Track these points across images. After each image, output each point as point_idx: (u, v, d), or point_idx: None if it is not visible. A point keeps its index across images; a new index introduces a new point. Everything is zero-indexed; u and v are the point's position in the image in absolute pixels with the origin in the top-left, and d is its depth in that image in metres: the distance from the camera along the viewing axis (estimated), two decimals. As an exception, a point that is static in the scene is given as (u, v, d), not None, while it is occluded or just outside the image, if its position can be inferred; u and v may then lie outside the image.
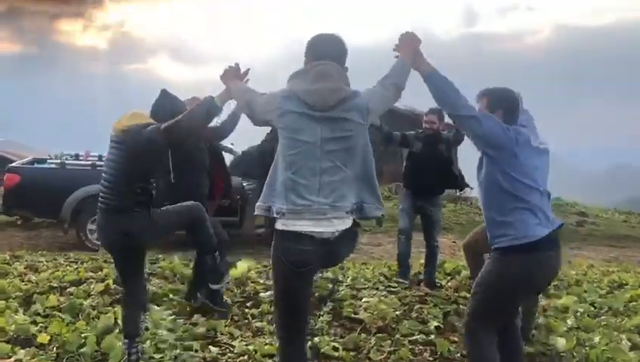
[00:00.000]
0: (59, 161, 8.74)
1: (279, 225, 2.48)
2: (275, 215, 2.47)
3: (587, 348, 3.85)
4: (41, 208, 8.35)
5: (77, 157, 9.16)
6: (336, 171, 2.47)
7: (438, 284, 5.52)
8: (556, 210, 16.84)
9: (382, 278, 5.73)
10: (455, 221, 12.71)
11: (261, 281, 5.49)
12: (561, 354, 3.77)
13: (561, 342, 3.86)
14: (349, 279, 5.50)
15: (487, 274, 2.81)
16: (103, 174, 3.35)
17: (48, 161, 9.04)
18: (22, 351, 3.49)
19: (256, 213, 2.59)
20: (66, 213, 7.98)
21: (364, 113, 2.51)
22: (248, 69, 3.07)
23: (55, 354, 3.49)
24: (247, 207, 7.85)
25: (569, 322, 4.33)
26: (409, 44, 2.76)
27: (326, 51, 2.57)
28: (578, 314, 4.65)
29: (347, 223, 2.52)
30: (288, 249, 2.47)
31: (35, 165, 8.82)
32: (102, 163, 8.35)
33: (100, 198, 3.34)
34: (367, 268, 6.27)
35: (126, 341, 3.35)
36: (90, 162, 8.65)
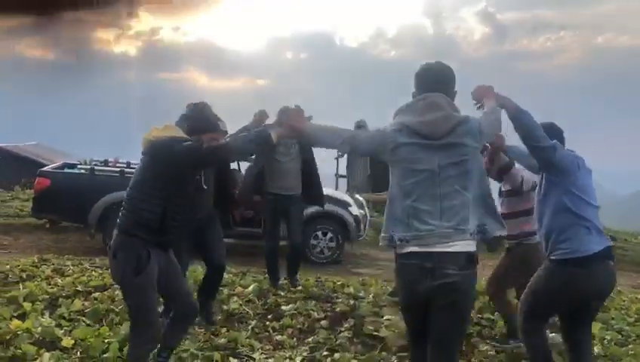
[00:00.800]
0: (88, 166, 8.91)
1: (401, 250, 2.57)
2: (397, 243, 2.56)
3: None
4: (69, 213, 8.49)
5: (106, 163, 9.34)
6: (456, 195, 2.55)
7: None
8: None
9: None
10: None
11: (282, 294, 5.50)
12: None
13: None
14: (370, 296, 5.47)
15: (538, 280, 3.31)
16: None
17: (78, 166, 9.22)
18: (47, 353, 3.55)
19: (380, 243, 2.69)
20: (93, 219, 8.10)
21: (477, 136, 2.62)
22: (311, 116, 3.19)
23: (79, 359, 3.53)
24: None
25: (596, 350, 4.22)
26: (486, 92, 2.95)
27: (436, 80, 2.68)
28: (605, 341, 4.54)
29: (471, 246, 2.57)
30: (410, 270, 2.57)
31: (65, 170, 8.99)
32: (130, 170, 8.53)
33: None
34: (389, 286, 6.22)
35: (160, 348, 3.30)
36: (118, 169, 8.80)
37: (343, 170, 15.88)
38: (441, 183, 2.54)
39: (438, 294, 2.49)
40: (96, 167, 8.79)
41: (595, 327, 4.69)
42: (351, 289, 5.61)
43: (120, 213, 3.17)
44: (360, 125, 4.06)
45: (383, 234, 2.64)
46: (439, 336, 2.57)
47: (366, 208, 9.53)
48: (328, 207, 8.73)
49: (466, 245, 2.53)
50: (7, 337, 3.75)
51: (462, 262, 2.51)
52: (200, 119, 3.31)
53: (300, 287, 5.61)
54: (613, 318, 5.39)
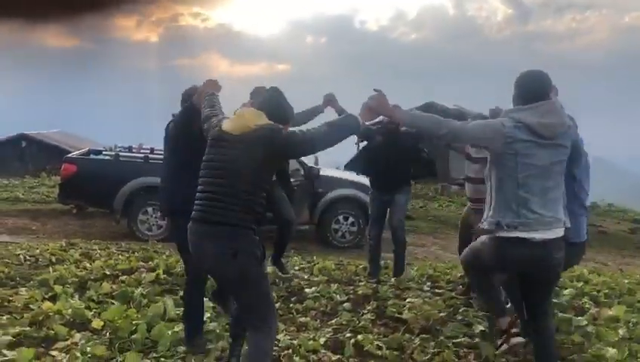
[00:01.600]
0: (113, 153, 9.04)
1: (507, 234, 2.94)
2: (505, 228, 2.94)
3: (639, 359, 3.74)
4: (95, 198, 8.66)
5: (130, 149, 9.47)
6: (556, 189, 3.00)
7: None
8: (608, 216, 16.34)
9: (426, 279, 5.70)
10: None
11: (305, 277, 5.56)
12: (612, 364, 3.67)
13: (611, 352, 3.75)
14: (392, 279, 5.49)
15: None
16: (204, 179, 2.89)
17: (103, 152, 9.37)
18: (78, 334, 3.65)
19: (486, 227, 3.01)
20: (119, 204, 8.25)
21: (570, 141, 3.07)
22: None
23: (108, 339, 3.63)
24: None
25: (620, 332, 4.20)
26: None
27: (543, 87, 3.03)
28: (630, 324, 4.51)
29: (561, 232, 3.01)
30: (512, 252, 3.00)
31: (91, 156, 9.15)
32: (154, 156, 8.64)
33: (197, 207, 2.87)
34: (412, 269, 6.24)
35: (230, 340, 3.30)
36: (142, 155, 8.92)
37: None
38: (549, 178, 2.95)
39: (540, 271, 3.05)
40: (120, 153, 8.92)
41: (620, 310, 4.67)
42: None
43: (216, 206, 2.80)
44: (496, 113, 4.04)
45: (489, 219, 3.00)
46: (532, 301, 3.23)
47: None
48: (350, 191, 8.77)
49: (560, 232, 2.99)
50: (40, 318, 3.86)
51: (558, 246, 2.99)
52: (282, 107, 2.98)
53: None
54: (639, 301, 5.34)
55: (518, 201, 2.92)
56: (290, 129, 2.94)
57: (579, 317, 4.46)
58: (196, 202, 2.86)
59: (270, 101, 2.94)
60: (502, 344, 3.41)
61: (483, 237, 3.16)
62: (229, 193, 2.77)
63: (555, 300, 4.92)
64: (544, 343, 3.24)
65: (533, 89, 3.02)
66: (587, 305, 4.97)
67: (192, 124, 3.40)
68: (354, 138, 5.01)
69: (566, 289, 5.44)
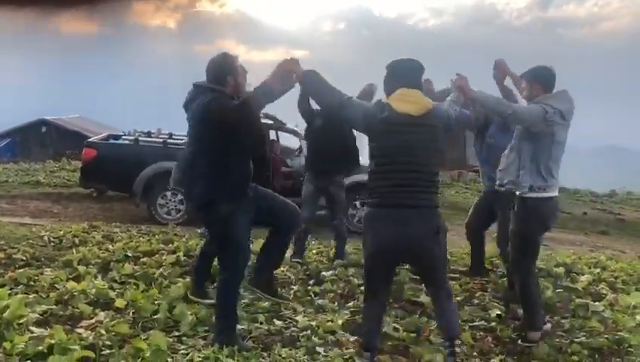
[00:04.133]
0: (132, 137, 9.15)
1: (537, 194, 3.59)
2: (536, 190, 3.59)
3: (657, 345, 3.74)
4: (115, 182, 8.79)
5: (149, 134, 9.58)
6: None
7: (500, 273, 5.46)
8: (626, 203, 16.13)
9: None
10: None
11: (323, 261, 5.62)
12: (629, 349, 3.68)
13: (629, 338, 3.77)
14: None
15: None
16: (386, 166, 2.94)
17: (123, 137, 9.48)
18: (102, 313, 3.75)
19: (519, 191, 3.64)
20: (138, 188, 8.36)
21: None
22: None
23: (132, 318, 3.72)
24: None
25: (638, 318, 4.20)
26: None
27: (555, 79, 3.71)
28: (647, 311, 4.50)
29: None
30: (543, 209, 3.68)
31: (111, 141, 9.27)
32: (173, 140, 8.73)
33: (387, 193, 2.94)
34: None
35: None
36: (161, 139, 9.01)
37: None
38: (563, 151, 3.67)
39: (555, 220, 3.88)
40: (140, 138, 9.02)
41: (638, 297, 4.66)
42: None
43: (411, 190, 2.91)
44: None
45: (524, 184, 3.62)
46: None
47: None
48: (365, 177, 8.79)
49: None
50: (65, 297, 3.97)
51: None
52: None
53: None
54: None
55: (546, 170, 3.59)
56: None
57: (596, 303, 4.46)
58: (383, 189, 2.95)
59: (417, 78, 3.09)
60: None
61: (511, 228, 3.76)
62: (420, 176, 2.92)
63: (571, 285, 4.94)
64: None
65: (552, 81, 3.69)
66: (604, 291, 4.97)
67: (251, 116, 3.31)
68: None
69: (583, 275, 5.44)
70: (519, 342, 3.68)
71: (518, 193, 3.69)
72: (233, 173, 3.33)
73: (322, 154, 5.41)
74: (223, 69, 3.38)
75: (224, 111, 3.20)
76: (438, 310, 3.14)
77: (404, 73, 3.08)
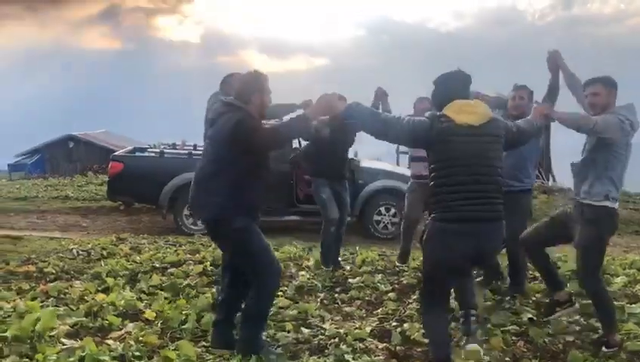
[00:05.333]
0: (158, 150, 9.25)
1: (611, 205, 3.59)
2: (611, 200, 3.58)
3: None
4: (142, 194, 8.87)
5: (174, 146, 9.67)
6: None
7: (531, 276, 5.34)
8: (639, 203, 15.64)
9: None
10: (547, 212, 12.16)
11: (348, 268, 5.58)
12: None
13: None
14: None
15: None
16: (454, 177, 2.89)
17: (148, 150, 9.59)
18: (131, 324, 3.77)
19: (598, 202, 3.57)
20: (164, 200, 8.43)
21: None
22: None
23: (160, 329, 3.73)
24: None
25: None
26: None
27: None
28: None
29: None
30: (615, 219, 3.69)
31: (137, 154, 9.38)
32: (197, 152, 8.80)
33: (461, 206, 2.87)
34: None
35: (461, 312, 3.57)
36: (186, 151, 9.09)
37: (404, 147, 15.68)
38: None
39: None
40: (165, 150, 9.12)
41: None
42: (417, 263, 5.61)
43: (484, 202, 2.90)
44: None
45: (603, 193, 3.57)
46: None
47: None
48: (390, 182, 8.72)
49: None
50: (95, 309, 4.00)
51: None
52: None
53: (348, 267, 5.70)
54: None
55: (620, 179, 3.62)
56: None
57: (632, 305, 4.34)
58: (453, 202, 2.88)
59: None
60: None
61: (582, 239, 3.65)
62: (489, 188, 2.91)
63: (606, 288, 4.81)
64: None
65: (616, 91, 3.68)
66: (640, 293, 4.82)
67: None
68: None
69: (618, 276, 5.30)
70: (603, 349, 3.54)
71: (591, 202, 3.60)
72: (249, 193, 3.28)
73: (334, 160, 5.48)
74: (252, 88, 3.34)
75: (254, 133, 3.17)
76: (462, 288, 3.44)
77: (457, 85, 3.06)
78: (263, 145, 3.24)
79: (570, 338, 3.71)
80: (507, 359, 3.42)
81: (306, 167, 6.50)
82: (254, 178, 3.29)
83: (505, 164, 3.16)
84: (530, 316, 4.09)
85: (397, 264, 5.69)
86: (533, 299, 4.55)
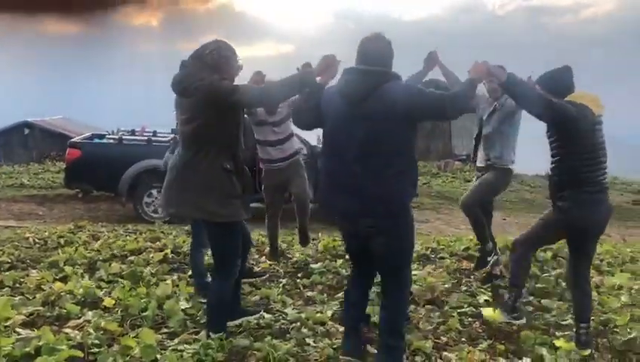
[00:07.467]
0: (116, 136, 9.07)
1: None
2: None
3: (642, 324, 3.80)
4: (100, 182, 8.71)
5: (133, 133, 9.50)
6: None
7: (489, 260, 5.49)
8: (612, 188, 16.28)
9: (430, 252, 5.76)
10: (505, 198, 12.49)
11: (310, 253, 5.62)
12: (614, 329, 3.73)
13: (614, 318, 3.82)
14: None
15: None
16: (600, 159, 3.40)
17: (107, 136, 9.40)
18: (90, 312, 3.72)
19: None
20: (124, 187, 8.30)
21: None
22: None
23: (120, 317, 3.69)
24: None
25: (623, 299, 4.26)
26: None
27: None
28: (632, 291, 4.57)
29: None
30: None
31: (95, 141, 9.19)
32: (157, 138, 8.67)
33: (602, 180, 3.39)
34: (416, 243, 6.28)
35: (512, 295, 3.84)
36: (145, 137, 8.94)
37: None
38: None
39: None
40: (124, 137, 8.95)
41: (623, 278, 4.73)
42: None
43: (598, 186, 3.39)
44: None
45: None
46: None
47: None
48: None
49: None
50: (52, 298, 3.93)
51: None
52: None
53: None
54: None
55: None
56: None
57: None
58: (599, 178, 3.38)
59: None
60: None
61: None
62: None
63: (558, 270, 4.99)
64: None
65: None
66: (590, 274, 5.01)
67: None
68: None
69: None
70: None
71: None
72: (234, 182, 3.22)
73: None
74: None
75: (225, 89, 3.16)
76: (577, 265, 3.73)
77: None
78: (243, 103, 3.29)
79: (522, 320, 3.84)
80: (463, 339, 3.53)
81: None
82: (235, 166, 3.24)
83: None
84: (486, 298, 4.21)
85: None
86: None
